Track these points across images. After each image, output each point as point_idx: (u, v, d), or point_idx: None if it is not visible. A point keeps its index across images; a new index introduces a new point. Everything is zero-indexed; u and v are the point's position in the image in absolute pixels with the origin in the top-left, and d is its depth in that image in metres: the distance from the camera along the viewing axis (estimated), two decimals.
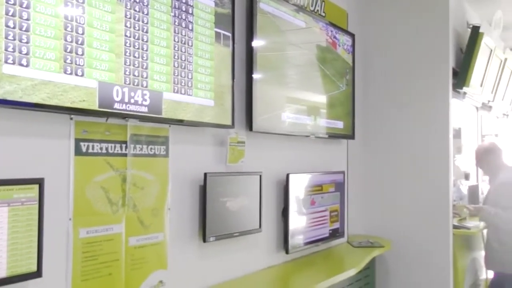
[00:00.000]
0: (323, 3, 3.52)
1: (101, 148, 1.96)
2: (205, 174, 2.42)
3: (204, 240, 2.42)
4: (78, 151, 1.88)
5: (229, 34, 2.54)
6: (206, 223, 2.41)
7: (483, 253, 4.55)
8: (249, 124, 2.75)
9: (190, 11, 2.30)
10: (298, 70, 3.20)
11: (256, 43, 2.76)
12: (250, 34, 2.75)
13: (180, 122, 2.25)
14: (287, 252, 3.02)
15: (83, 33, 1.80)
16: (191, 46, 2.30)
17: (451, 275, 3.76)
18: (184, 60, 2.26)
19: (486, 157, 4.12)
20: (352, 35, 3.79)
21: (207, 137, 2.55)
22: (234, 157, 2.65)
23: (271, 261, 3.01)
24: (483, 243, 4.56)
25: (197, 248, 2.46)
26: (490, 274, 4.71)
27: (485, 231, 4.30)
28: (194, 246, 2.44)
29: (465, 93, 4.35)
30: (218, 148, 2.60)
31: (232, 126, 2.58)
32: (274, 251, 3.04)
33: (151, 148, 2.18)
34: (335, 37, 3.55)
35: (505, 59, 5.08)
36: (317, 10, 3.46)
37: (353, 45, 3.78)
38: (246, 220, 2.71)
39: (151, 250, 2.17)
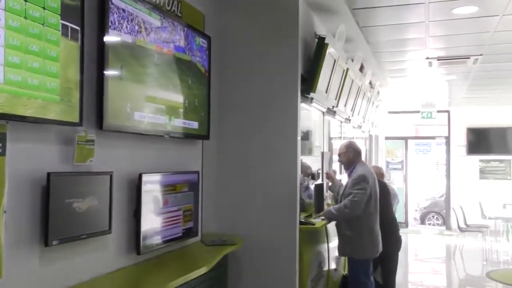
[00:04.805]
0: (180, 3, 3.54)
1: None
2: (49, 174, 2.29)
3: (46, 244, 2.28)
4: None
5: (78, 28, 2.43)
6: (49, 226, 2.28)
7: (326, 246, 4.96)
8: (100, 122, 2.66)
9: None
10: (155, 69, 3.17)
11: (108, 39, 2.68)
12: (101, 29, 2.66)
13: (19, 118, 2.10)
14: (138, 253, 2.98)
15: None
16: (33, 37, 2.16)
17: (297, 268, 4.03)
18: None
19: (347, 152, 4.49)
20: (208, 38, 3.86)
21: (52, 135, 2.41)
22: (82, 157, 2.54)
23: (121, 263, 2.94)
24: (327, 237, 4.97)
25: (38, 253, 2.31)
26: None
27: (329, 225, 4.69)
28: (34, 251, 2.29)
29: (312, 98, 4.68)
30: (65, 147, 2.47)
31: (80, 124, 2.47)
32: (125, 253, 2.97)
33: None
34: (191, 38, 3.59)
35: (347, 69, 5.58)
36: (174, 10, 3.46)
37: (209, 47, 3.85)
38: (95, 222, 2.62)
39: None
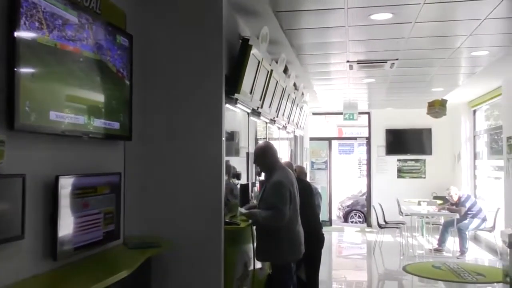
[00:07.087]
0: (99, 0, 3.43)
1: None
2: None
3: None
4: None
5: None
6: None
7: (251, 246, 5.00)
8: (11, 123, 2.51)
9: None
10: (73, 67, 3.04)
11: (19, 34, 2.54)
12: (11, 23, 2.52)
13: None
14: (55, 259, 2.86)
15: None
16: None
17: (222, 268, 4.03)
18: None
19: (263, 156, 4.48)
20: (130, 36, 3.77)
21: None
22: None
23: (36, 269, 2.79)
24: (252, 237, 5.01)
25: None
26: (259, 265, 5.21)
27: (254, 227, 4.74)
28: None
29: (237, 99, 4.71)
30: None
31: None
32: (40, 259, 2.83)
33: None
34: (111, 36, 3.49)
35: (271, 71, 5.68)
36: (92, 7, 3.35)
37: (130, 46, 3.76)
38: (5, 227, 2.47)
39: None
